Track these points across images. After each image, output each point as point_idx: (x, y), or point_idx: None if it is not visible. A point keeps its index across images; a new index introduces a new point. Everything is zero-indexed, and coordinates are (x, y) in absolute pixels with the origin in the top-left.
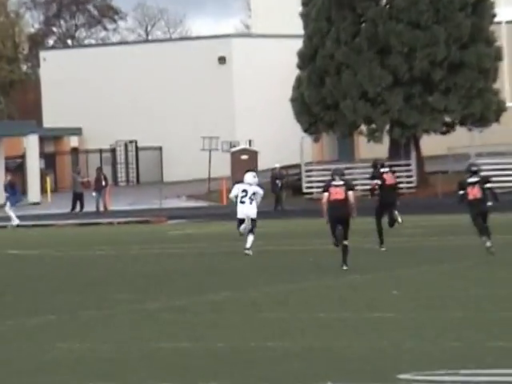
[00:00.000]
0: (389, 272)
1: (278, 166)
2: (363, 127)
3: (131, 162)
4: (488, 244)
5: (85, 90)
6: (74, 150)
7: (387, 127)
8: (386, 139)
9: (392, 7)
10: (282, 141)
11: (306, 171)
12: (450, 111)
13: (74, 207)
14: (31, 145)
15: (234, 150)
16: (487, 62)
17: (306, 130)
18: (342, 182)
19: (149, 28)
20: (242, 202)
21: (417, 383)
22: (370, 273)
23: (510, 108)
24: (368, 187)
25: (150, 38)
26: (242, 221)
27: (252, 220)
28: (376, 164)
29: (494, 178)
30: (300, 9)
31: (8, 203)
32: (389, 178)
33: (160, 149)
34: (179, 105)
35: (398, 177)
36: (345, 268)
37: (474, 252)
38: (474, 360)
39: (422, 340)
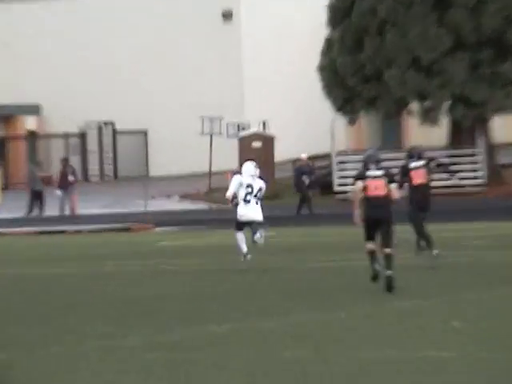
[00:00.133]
0: (445, 296)
1: (304, 156)
2: (414, 105)
3: (107, 150)
4: None
5: (45, 55)
6: (32, 135)
7: (446, 105)
8: (445, 121)
9: None
10: (307, 123)
11: (339, 163)
12: None
13: (31, 210)
14: None
15: (242, 134)
16: None
17: (338, 109)
18: (380, 172)
19: None
20: (247, 201)
21: None
22: (420, 297)
23: None
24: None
25: None
26: (242, 225)
27: (259, 223)
28: (411, 153)
29: None
30: None
31: None
32: (417, 176)
33: (145, 133)
34: (171, 75)
35: (459, 171)
36: (377, 268)
37: None
38: None
39: None
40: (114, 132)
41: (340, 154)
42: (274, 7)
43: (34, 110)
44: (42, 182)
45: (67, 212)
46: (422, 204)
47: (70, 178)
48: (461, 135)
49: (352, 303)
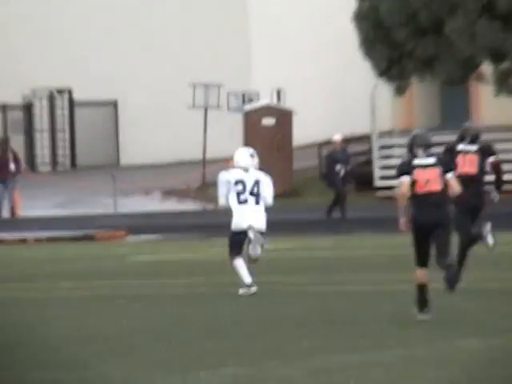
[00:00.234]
0: None
1: (338, 137)
2: (487, 67)
3: (61, 128)
4: None
5: None
6: None
7: None
8: None
9: None
10: (337, 93)
11: (381, 148)
12: None
13: None
14: None
15: (249, 107)
16: None
17: (381, 74)
18: (432, 160)
19: None
20: (242, 202)
21: None
22: (487, 332)
23: None
24: None
25: None
26: (241, 237)
27: (261, 234)
28: (463, 135)
29: None
30: None
31: None
32: (464, 164)
33: (114, 105)
34: (151, 27)
35: None
36: (423, 318)
37: None
38: None
39: None
40: (72, 103)
41: (383, 135)
42: None
43: None
44: None
45: (6, 213)
46: (471, 203)
47: (12, 166)
48: None
49: (397, 342)
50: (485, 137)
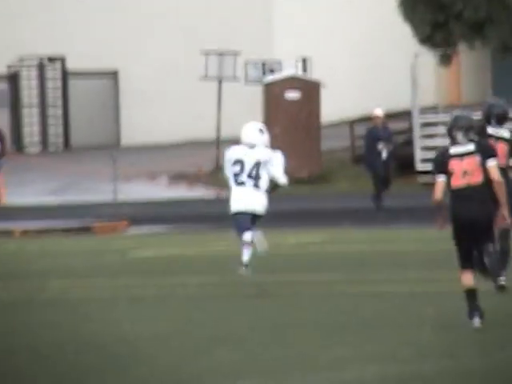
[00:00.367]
0: None
1: (379, 112)
2: None
3: (53, 102)
4: None
5: None
6: None
7: None
8: None
9: None
10: (371, 63)
11: (423, 126)
12: None
13: None
14: None
15: (270, 79)
16: None
17: (424, 40)
18: (471, 147)
19: None
20: (240, 184)
21: None
22: None
23: None
24: None
25: None
26: (239, 216)
27: (256, 216)
28: (489, 115)
29: None
30: None
31: None
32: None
33: (115, 76)
34: None
35: None
36: (476, 325)
37: None
38: None
39: None
40: (65, 73)
41: (425, 111)
42: None
43: None
44: None
45: None
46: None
47: None
48: None
49: (442, 351)
50: None
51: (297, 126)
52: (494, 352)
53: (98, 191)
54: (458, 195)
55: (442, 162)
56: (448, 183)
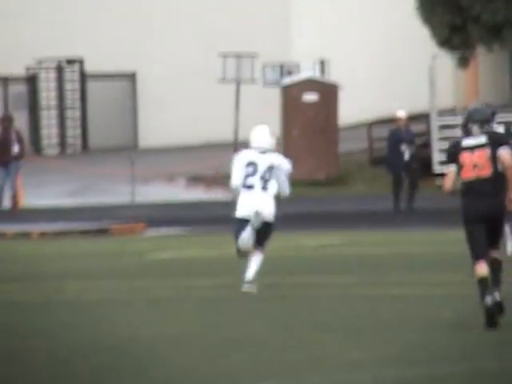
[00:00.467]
0: None
1: (403, 113)
2: None
3: (71, 104)
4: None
5: None
6: None
7: None
8: None
9: None
10: (389, 65)
11: (441, 128)
12: None
13: None
14: None
15: (288, 81)
16: None
17: (442, 43)
18: (484, 139)
19: None
20: (249, 187)
21: None
22: None
23: None
24: None
25: None
26: (244, 223)
27: (266, 224)
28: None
29: None
30: None
31: None
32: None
33: (132, 78)
34: None
35: None
36: (489, 303)
37: None
38: None
39: None
40: (83, 75)
41: (443, 114)
42: None
43: None
44: None
45: (7, 203)
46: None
47: (15, 148)
48: None
49: (460, 353)
50: None
51: (314, 128)
52: (510, 354)
53: (115, 193)
54: (468, 188)
55: (454, 152)
56: (459, 175)
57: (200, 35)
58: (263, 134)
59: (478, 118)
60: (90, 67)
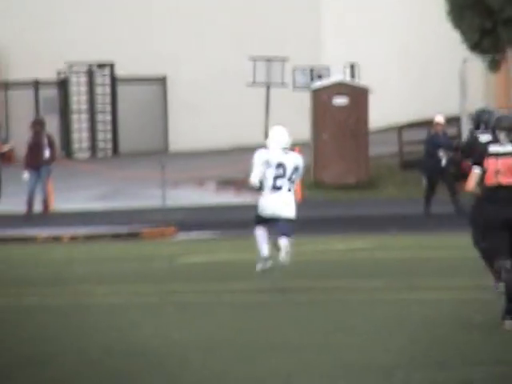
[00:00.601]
0: None
1: (441, 118)
2: None
3: (102, 108)
4: None
5: None
6: None
7: None
8: None
9: None
10: (420, 69)
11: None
12: None
13: None
14: None
15: (318, 85)
16: None
17: (473, 47)
18: (510, 147)
19: None
20: (277, 188)
21: None
22: None
23: None
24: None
25: None
26: (265, 221)
27: (288, 221)
28: (479, 119)
29: None
30: None
31: None
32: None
33: (163, 82)
34: None
35: None
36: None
37: None
38: None
39: None
40: (114, 79)
41: None
42: None
43: None
44: None
45: (38, 207)
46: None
47: (46, 152)
48: None
49: (490, 356)
50: None
51: (345, 132)
52: None
53: (146, 197)
54: (489, 194)
55: (480, 155)
56: (482, 179)
57: (230, 39)
58: (283, 134)
59: (504, 126)
60: (120, 71)
